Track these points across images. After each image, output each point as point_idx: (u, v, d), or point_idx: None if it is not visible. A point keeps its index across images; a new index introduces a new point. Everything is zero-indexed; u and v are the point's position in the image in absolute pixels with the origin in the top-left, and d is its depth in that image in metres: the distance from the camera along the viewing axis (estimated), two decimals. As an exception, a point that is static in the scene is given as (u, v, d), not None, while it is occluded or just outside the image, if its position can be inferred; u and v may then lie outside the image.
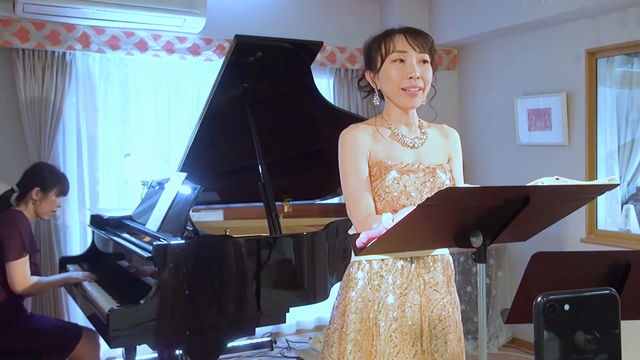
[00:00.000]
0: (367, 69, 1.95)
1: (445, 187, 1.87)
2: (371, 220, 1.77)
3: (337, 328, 1.89)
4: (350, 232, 1.95)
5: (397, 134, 1.92)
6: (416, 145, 1.93)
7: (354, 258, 1.91)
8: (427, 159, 1.92)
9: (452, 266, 1.99)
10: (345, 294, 1.89)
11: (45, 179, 3.18)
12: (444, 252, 1.95)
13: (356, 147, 1.87)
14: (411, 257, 1.87)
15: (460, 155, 2.06)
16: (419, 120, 2.00)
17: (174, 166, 3.74)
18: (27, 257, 3.00)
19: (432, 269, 1.90)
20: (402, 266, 1.86)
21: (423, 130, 1.98)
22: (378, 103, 1.96)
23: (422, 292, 1.87)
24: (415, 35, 1.87)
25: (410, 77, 1.84)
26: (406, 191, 1.84)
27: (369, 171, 1.88)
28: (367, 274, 1.87)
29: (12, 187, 3.18)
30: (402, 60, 1.85)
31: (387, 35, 1.89)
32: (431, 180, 1.88)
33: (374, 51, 1.90)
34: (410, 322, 1.84)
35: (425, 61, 1.87)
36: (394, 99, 1.89)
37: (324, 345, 1.95)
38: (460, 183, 2.00)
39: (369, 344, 1.84)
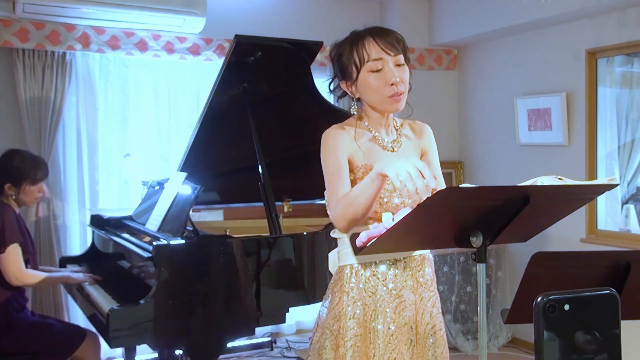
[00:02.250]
0: (343, 80, 1.89)
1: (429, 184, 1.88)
2: (343, 199, 1.75)
3: (334, 332, 1.86)
4: (332, 234, 1.93)
5: (378, 138, 1.90)
6: (395, 149, 1.91)
7: (344, 262, 1.89)
8: None
9: (433, 265, 2.00)
10: (339, 298, 1.87)
11: (14, 171, 3.03)
12: (427, 251, 1.96)
13: (337, 143, 1.85)
14: (403, 258, 1.88)
15: (436, 150, 2.03)
16: (394, 119, 1.97)
17: (174, 166, 3.74)
18: (15, 248, 2.90)
19: (421, 268, 1.91)
20: (396, 267, 1.87)
21: (399, 132, 1.96)
22: (355, 113, 1.91)
23: (416, 291, 1.89)
24: (385, 37, 1.81)
25: (392, 84, 1.79)
26: (395, 191, 1.83)
27: (355, 174, 1.86)
28: (362, 277, 1.86)
29: None
30: (378, 70, 1.80)
31: (356, 40, 1.82)
32: None
33: (347, 60, 1.84)
34: (406, 323, 1.85)
35: (399, 64, 1.82)
36: (379, 106, 1.86)
37: (311, 350, 1.92)
38: (440, 178, 1.99)
39: (367, 347, 1.83)
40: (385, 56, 1.79)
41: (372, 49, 1.80)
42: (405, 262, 1.88)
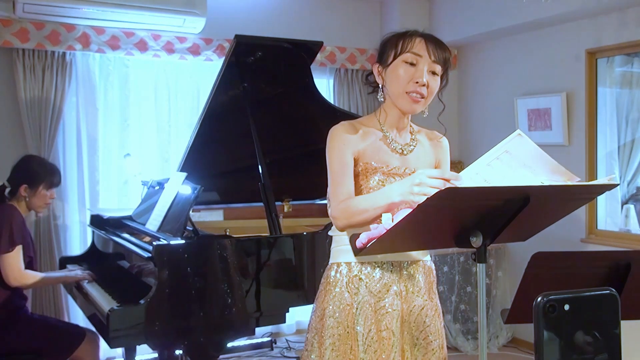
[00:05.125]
0: (377, 62, 1.90)
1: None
2: (348, 203, 1.76)
3: (317, 332, 1.87)
4: (330, 233, 1.92)
5: (388, 138, 1.89)
6: (405, 152, 1.89)
7: (334, 259, 1.89)
8: (413, 164, 1.89)
9: (434, 273, 1.97)
10: (323, 297, 1.87)
11: (32, 174, 3.10)
12: (425, 257, 1.93)
13: (343, 141, 1.84)
14: (392, 262, 1.85)
15: (449, 163, 2.02)
16: (410, 125, 1.96)
17: (174, 166, 3.74)
18: (19, 249, 2.95)
19: (412, 274, 1.88)
20: (382, 271, 1.84)
21: (413, 137, 1.94)
22: (383, 100, 1.91)
23: (404, 298, 1.85)
24: (435, 44, 1.83)
25: (417, 82, 1.80)
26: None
27: (356, 169, 1.85)
28: (346, 277, 1.84)
29: (4, 183, 3.12)
30: (413, 64, 1.81)
31: (408, 34, 1.85)
32: None
33: (389, 46, 1.86)
34: (389, 328, 1.81)
35: (434, 73, 1.83)
36: (396, 99, 1.85)
37: (304, 350, 1.93)
38: None
39: (347, 348, 1.82)
40: (426, 56, 1.81)
41: (417, 44, 1.82)
42: (393, 267, 1.85)
